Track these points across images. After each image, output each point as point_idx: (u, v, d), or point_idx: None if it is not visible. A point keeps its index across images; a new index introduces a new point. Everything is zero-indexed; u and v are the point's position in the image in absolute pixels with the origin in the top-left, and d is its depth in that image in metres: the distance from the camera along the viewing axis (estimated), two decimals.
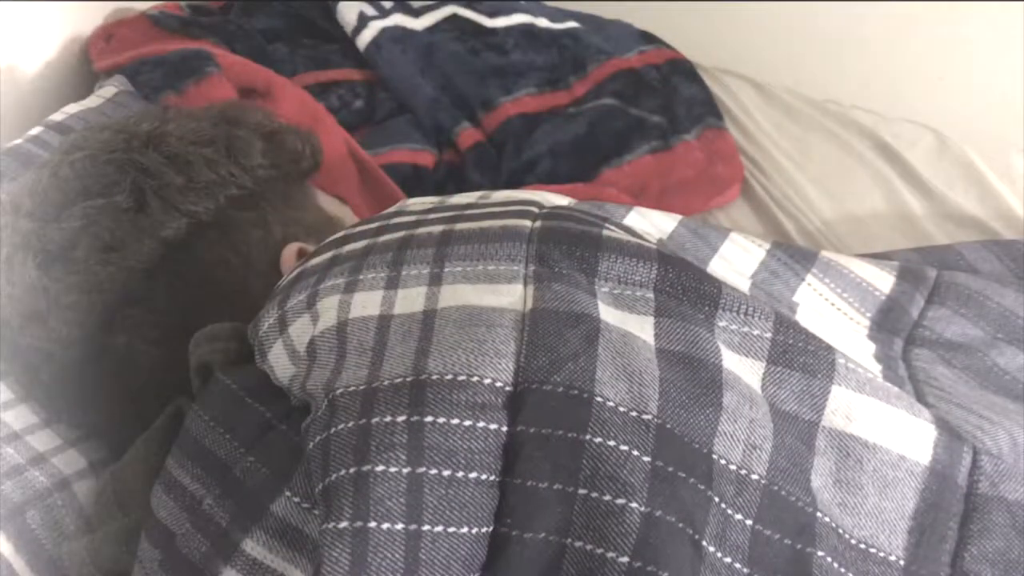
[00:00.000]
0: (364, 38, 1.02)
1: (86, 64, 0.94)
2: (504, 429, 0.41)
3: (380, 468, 0.40)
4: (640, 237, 0.52)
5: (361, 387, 0.43)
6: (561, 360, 0.42)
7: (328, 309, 0.47)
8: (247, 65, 0.93)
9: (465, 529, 0.40)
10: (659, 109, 1.00)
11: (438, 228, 0.50)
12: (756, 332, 0.47)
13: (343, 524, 0.39)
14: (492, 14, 1.08)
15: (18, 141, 0.78)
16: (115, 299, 0.57)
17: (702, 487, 0.41)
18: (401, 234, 0.50)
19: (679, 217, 0.59)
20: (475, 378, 0.42)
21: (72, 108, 0.83)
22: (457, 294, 0.46)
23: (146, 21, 0.99)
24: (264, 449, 0.46)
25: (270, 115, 0.67)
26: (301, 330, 0.48)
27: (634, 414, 0.41)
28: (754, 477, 0.42)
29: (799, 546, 0.42)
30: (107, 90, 0.87)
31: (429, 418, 0.41)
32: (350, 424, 0.42)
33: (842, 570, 0.42)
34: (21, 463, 0.57)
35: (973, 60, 1.19)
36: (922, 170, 0.91)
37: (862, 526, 0.44)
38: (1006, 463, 0.46)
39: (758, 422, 0.44)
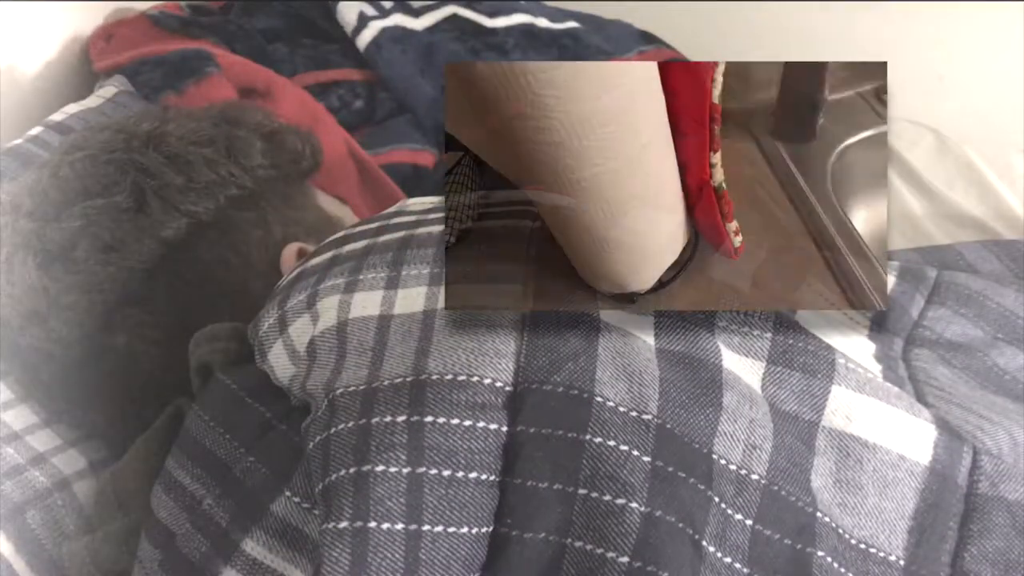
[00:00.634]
0: (364, 38, 1.02)
1: (86, 64, 0.94)
2: (504, 429, 0.41)
3: (380, 468, 0.40)
4: None
5: (361, 387, 0.43)
6: (561, 360, 0.42)
7: (328, 309, 0.47)
8: (247, 65, 0.93)
9: (465, 529, 0.40)
10: None
11: (438, 228, 0.50)
12: (756, 332, 0.47)
13: (343, 524, 0.39)
14: (492, 14, 1.07)
15: (18, 141, 0.77)
16: (115, 299, 0.57)
17: (702, 487, 0.41)
18: (401, 234, 0.50)
19: None
20: (475, 378, 0.42)
21: (72, 108, 0.83)
22: None
23: (146, 21, 0.99)
24: (264, 449, 0.46)
25: (270, 115, 0.67)
26: (301, 330, 0.48)
27: (634, 414, 0.41)
28: (754, 477, 0.42)
29: (799, 546, 0.42)
30: (107, 90, 0.86)
31: (429, 418, 0.41)
32: (350, 424, 0.42)
33: (842, 570, 0.42)
34: (21, 463, 0.57)
35: (973, 60, 1.18)
36: (922, 170, 0.91)
37: (862, 526, 0.44)
38: (1006, 463, 0.46)
39: (758, 422, 0.44)
